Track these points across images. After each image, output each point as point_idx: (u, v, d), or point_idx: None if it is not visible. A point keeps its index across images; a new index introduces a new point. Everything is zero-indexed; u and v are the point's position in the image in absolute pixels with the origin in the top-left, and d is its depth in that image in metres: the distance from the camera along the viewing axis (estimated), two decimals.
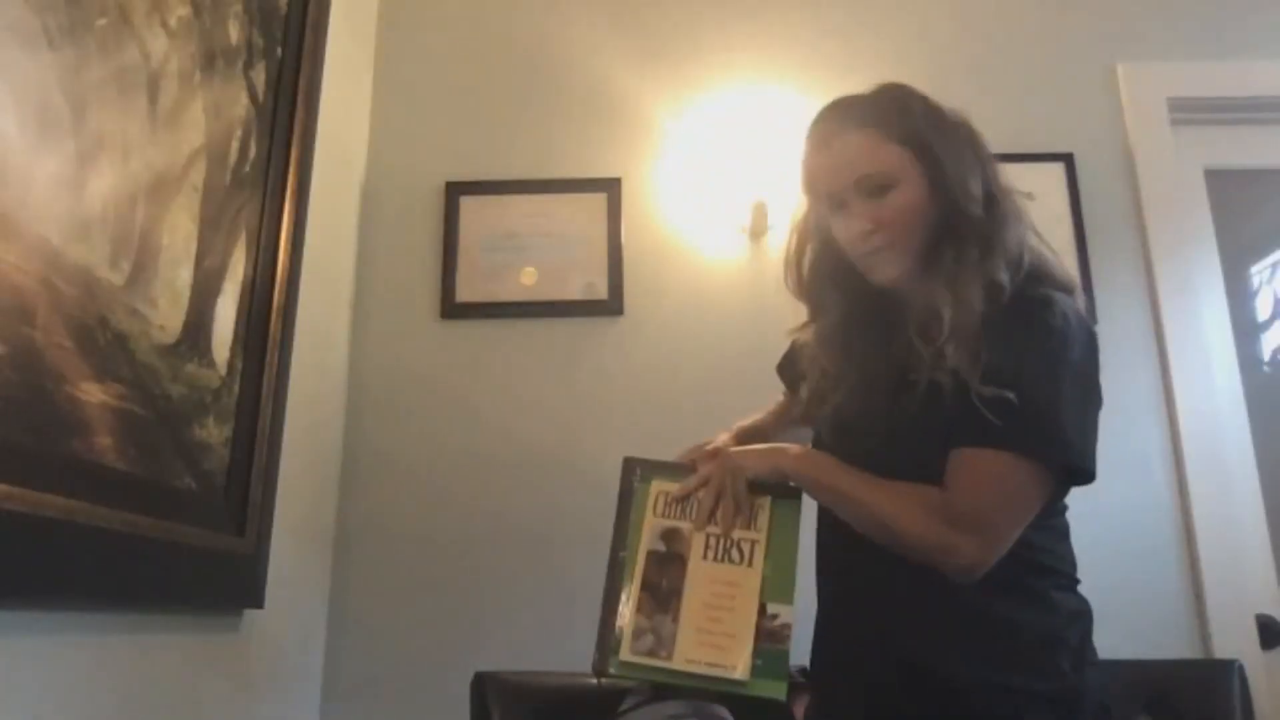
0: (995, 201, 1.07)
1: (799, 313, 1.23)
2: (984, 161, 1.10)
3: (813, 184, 1.13)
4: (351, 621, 1.73)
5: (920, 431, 1.02)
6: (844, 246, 1.12)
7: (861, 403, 1.11)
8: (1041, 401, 0.97)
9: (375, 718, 1.67)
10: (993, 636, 1.00)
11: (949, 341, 1.00)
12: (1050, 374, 0.98)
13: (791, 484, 1.09)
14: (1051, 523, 1.06)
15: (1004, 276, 1.02)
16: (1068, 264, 1.87)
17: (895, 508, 0.99)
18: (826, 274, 1.16)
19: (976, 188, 1.06)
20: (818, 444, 1.19)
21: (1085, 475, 1.00)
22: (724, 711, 1.00)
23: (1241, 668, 1.33)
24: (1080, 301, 1.07)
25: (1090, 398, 1.02)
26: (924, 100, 1.12)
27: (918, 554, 0.97)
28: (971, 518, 0.96)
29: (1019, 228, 1.07)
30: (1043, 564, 1.04)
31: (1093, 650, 1.05)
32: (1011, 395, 0.95)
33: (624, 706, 1.05)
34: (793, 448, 1.10)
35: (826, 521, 1.13)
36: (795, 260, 1.19)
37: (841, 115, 1.11)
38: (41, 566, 0.90)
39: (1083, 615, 1.06)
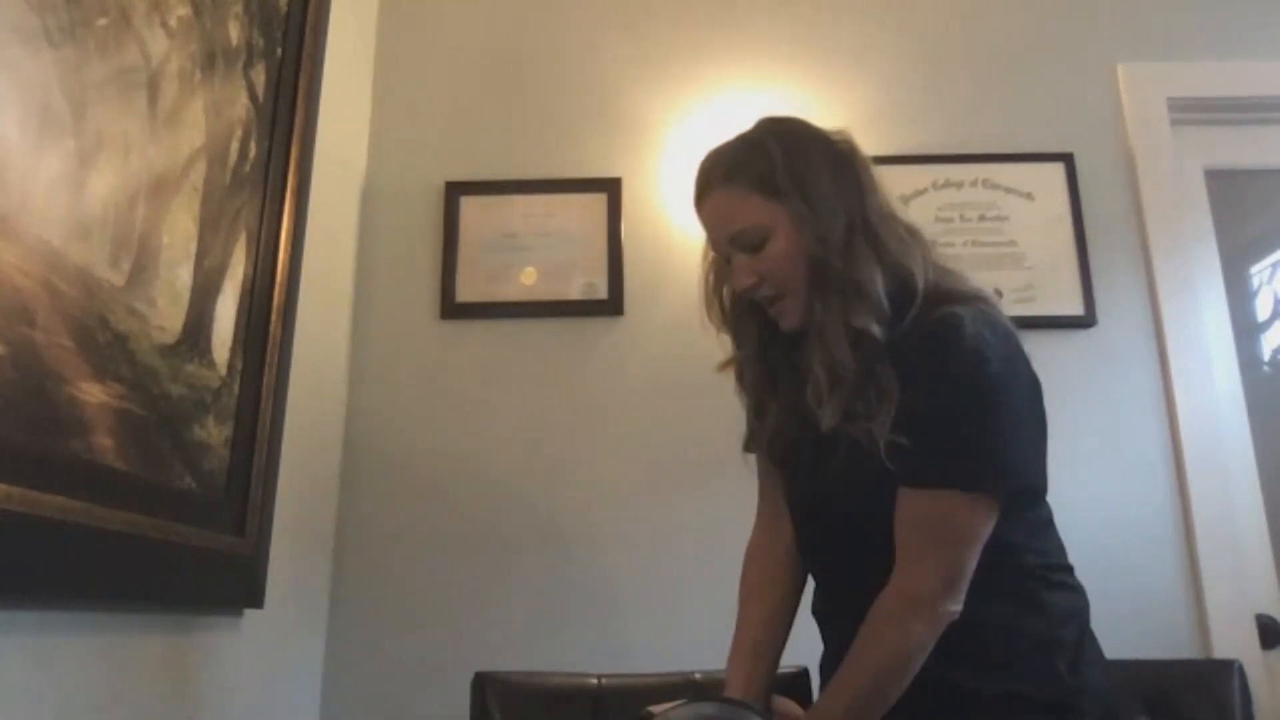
0: (862, 237, 1.03)
1: None
2: (858, 191, 1.05)
3: (707, 235, 1.14)
4: (351, 621, 1.73)
5: (864, 486, 1.00)
6: (737, 291, 1.11)
7: (792, 441, 1.11)
8: (967, 430, 0.95)
9: (375, 718, 1.67)
10: (987, 644, 0.98)
11: (828, 399, 1.00)
12: (972, 397, 0.95)
13: None
14: (1029, 517, 1.04)
15: (871, 324, 0.99)
16: (1067, 264, 1.91)
17: (880, 664, 0.96)
18: (742, 311, 1.15)
19: (837, 230, 1.03)
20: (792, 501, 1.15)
21: (1030, 492, 1.00)
22: (756, 716, 0.99)
23: (1241, 668, 1.33)
24: (995, 305, 1.03)
25: (1020, 408, 0.99)
26: (788, 135, 1.09)
27: (927, 647, 0.95)
28: (925, 592, 0.95)
29: (904, 253, 1.03)
30: (1029, 565, 1.02)
31: (1094, 647, 1.03)
32: (924, 436, 0.94)
33: (657, 706, 1.04)
34: None
35: (828, 564, 1.11)
36: (714, 294, 1.17)
37: (708, 171, 1.10)
38: (41, 566, 0.90)
39: (1077, 613, 1.04)
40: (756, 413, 1.16)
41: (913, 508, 0.97)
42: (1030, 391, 1.02)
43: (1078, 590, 1.06)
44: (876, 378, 0.99)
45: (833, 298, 1.02)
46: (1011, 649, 0.99)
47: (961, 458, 0.95)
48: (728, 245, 1.09)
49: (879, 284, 1.01)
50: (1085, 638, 1.03)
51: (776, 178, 1.05)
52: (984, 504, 0.96)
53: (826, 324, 1.02)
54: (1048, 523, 1.07)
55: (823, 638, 1.13)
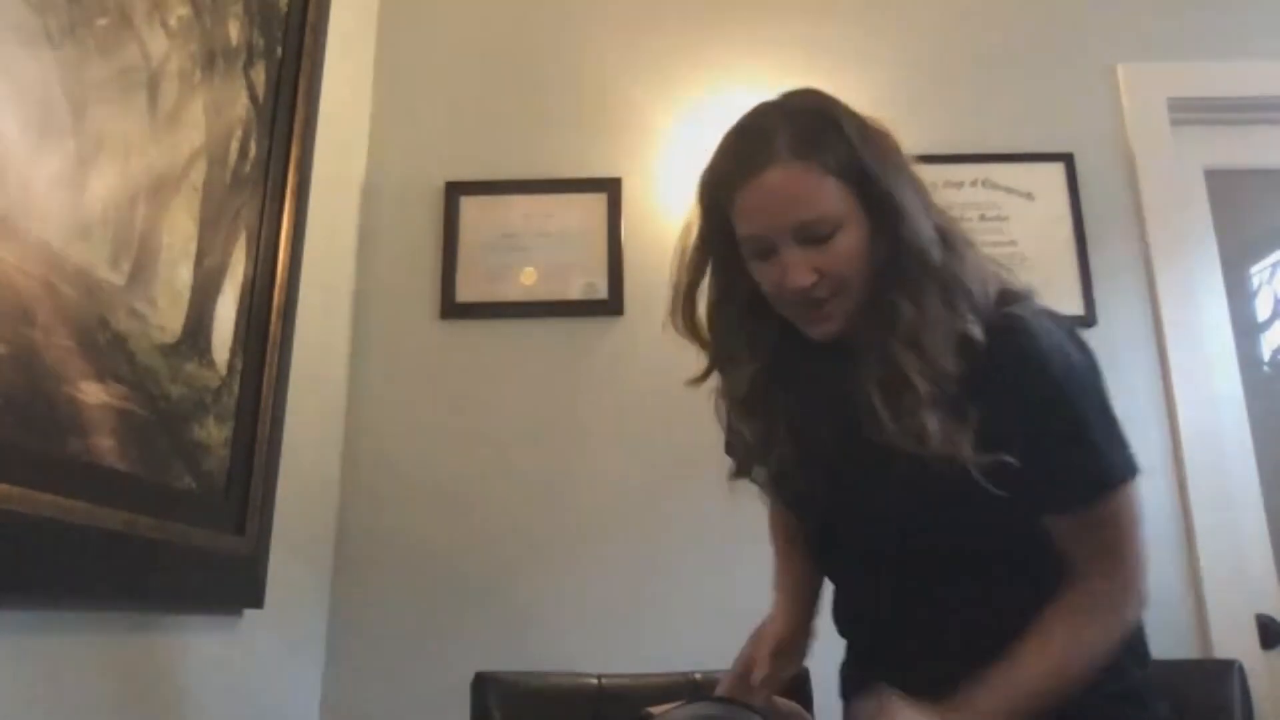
0: (948, 234, 0.94)
1: None
2: (922, 186, 0.96)
3: (730, 214, 0.96)
4: (351, 621, 1.72)
5: (944, 511, 0.91)
6: (769, 294, 0.96)
7: (806, 479, 1.00)
8: (1093, 432, 0.89)
9: (375, 718, 1.67)
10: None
11: (926, 415, 0.87)
12: (1078, 399, 0.90)
13: None
14: None
15: (976, 328, 0.89)
16: (1067, 264, 1.90)
17: (1081, 656, 0.89)
18: (736, 316, 1.01)
19: (928, 224, 0.92)
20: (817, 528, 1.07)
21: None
22: (757, 716, 0.98)
23: (1241, 668, 1.32)
24: (1035, 299, 0.96)
25: (1103, 385, 0.94)
26: (851, 115, 0.96)
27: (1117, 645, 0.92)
28: (1125, 582, 0.91)
29: (976, 257, 0.95)
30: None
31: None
32: (1051, 453, 0.87)
33: (657, 707, 1.04)
34: (953, 706, 0.87)
35: (876, 586, 1.02)
36: (686, 293, 1.01)
37: (767, 139, 0.93)
38: (41, 566, 0.90)
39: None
40: (764, 440, 1.02)
41: (1077, 525, 0.91)
42: (1100, 374, 0.95)
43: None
44: (964, 390, 0.88)
45: (929, 299, 0.90)
46: (1120, 687, 0.94)
47: (1102, 460, 0.90)
48: (781, 234, 0.92)
49: (975, 280, 0.92)
50: (1143, 640, 1.00)
51: (857, 157, 0.91)
52: (1135, 486, 0.91)
53: (924, 331, 0.89)
54: None
55: (851, 643, 1.08)
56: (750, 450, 1.05)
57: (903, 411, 0.88)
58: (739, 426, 1.04)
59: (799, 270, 0.92)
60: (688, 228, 1.02)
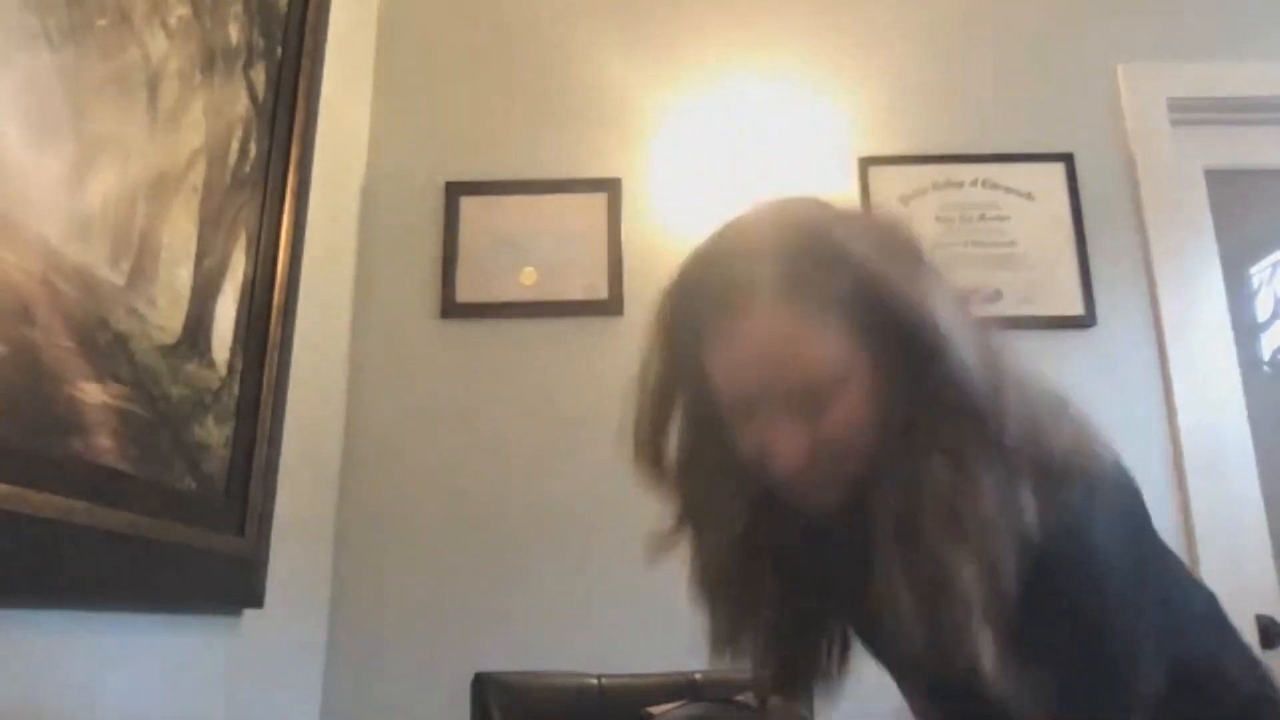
0: (998, 367, 0.71)
1: None
2: (958, 297, 0.75)
3: (701, 359, 0.75)
4: (351, 621, 1.73)
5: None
6: (749, 460, 0.76)
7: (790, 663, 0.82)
8: (1097, 670, 0.67)
9: (375, 718, 1.67)
10: None
11: (979, 636, 0.64)
12: (1094, 632, 0.68)
13: None
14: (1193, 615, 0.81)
15: (1031, 515, 0.65)
16: (1067, 264, 1.91)
17: None
18: (713, 473, 0.80)
19: (973, 356, 0.69)
20: None
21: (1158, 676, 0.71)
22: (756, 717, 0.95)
23: None
24: (1081, 426, 0.76)
25: (1143, 626, 0.71)
26: (857, 226, 0.75)
27: None
28: None
29: (1038, 394, 0.74)
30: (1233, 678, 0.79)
31: None
32: (1045, 666, 0.64)
33: (657, 707, 1.03)
34: None
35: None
36: (651, 435, 0.80)
37: (745, 276, 0.71)
38: (41, 566, 0.90)
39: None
40: (730, 627, 0.82)
41: None
42: (1144, 570, 0.74)
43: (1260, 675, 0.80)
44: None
45: (979, 463, 0.67)
46: None
47: (1084, 694, 0.67)
48: (767, 400, 0.72)
49: (1031, 442, 0.69)
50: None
51: (870, 294, 0.69)
52: None
53: (974, 503, 0.66)
54: (1204, 613, 0.82)
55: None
56: (713, 634, 0.83)
57: (943, 626, 0.65)
58: (700, 606, 0.83)
59: (787, 448, 0.72)
60: (648, 358, 0.82)
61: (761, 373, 0.72)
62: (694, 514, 0.82)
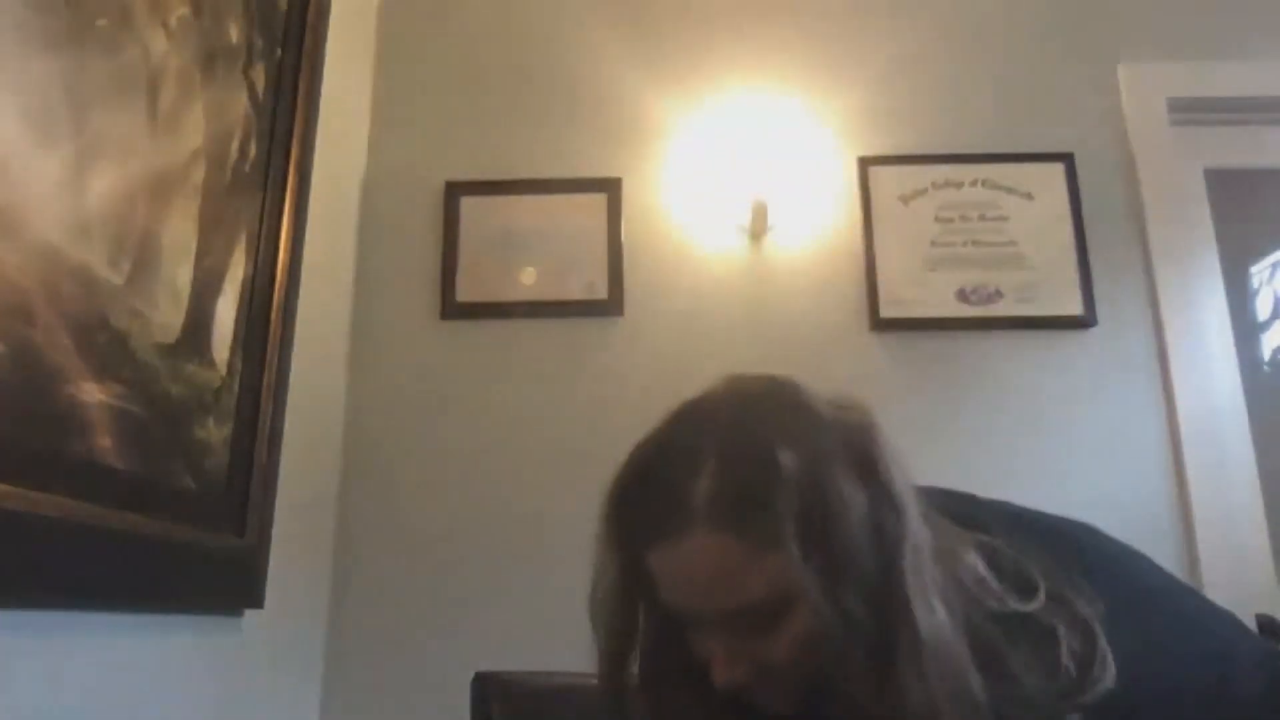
0: (900, 610, 0.65)
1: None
2: (886, 508, 0.68)
3: (641, 581, 0.75)
4: (351, 621, 1.73)
5: None
6: (716, 685, 0.73)
7: None
8: None
9: (375, 717, 1.67)
10: None
11: None
12: None
13: None
14: None
15: None
16: (1067, 264, 1.90)
17: None
18: (673, 672, 0.78)
19: (861, 602, 0.66)
20: None
21: None
22: None
23: None
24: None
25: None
26: (797, 436, 0.69)
27: None
28: None
29: (946, 654, 0.65)
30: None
31: None
32: None
33: None
34: None
35: None
36: (614, 662, 0.81)
37: (683, 492, 0.68)
38: (41, 566, 0.90)
39: None
40: None
41: None
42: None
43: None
44: None
45: (949, 678, 0.65)
46: None
47: None
48: (707, 616, 0.71)
49: (934, 702, 0.64)
50: None
51: (805, 521, 0.66)
52: None
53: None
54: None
55: None
56: None
57: None
58: None
59: (725, 667, 0.70)
60: (600, 570, 0.81)
61: (700, 593, 0.70)
62: (657, 714, 0.79)
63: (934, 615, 0.65)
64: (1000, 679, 0.65)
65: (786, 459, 0.66)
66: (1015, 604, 0.68)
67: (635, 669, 0.79)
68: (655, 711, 0.78)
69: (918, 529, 0.68)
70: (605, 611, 0.80)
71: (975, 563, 0.70)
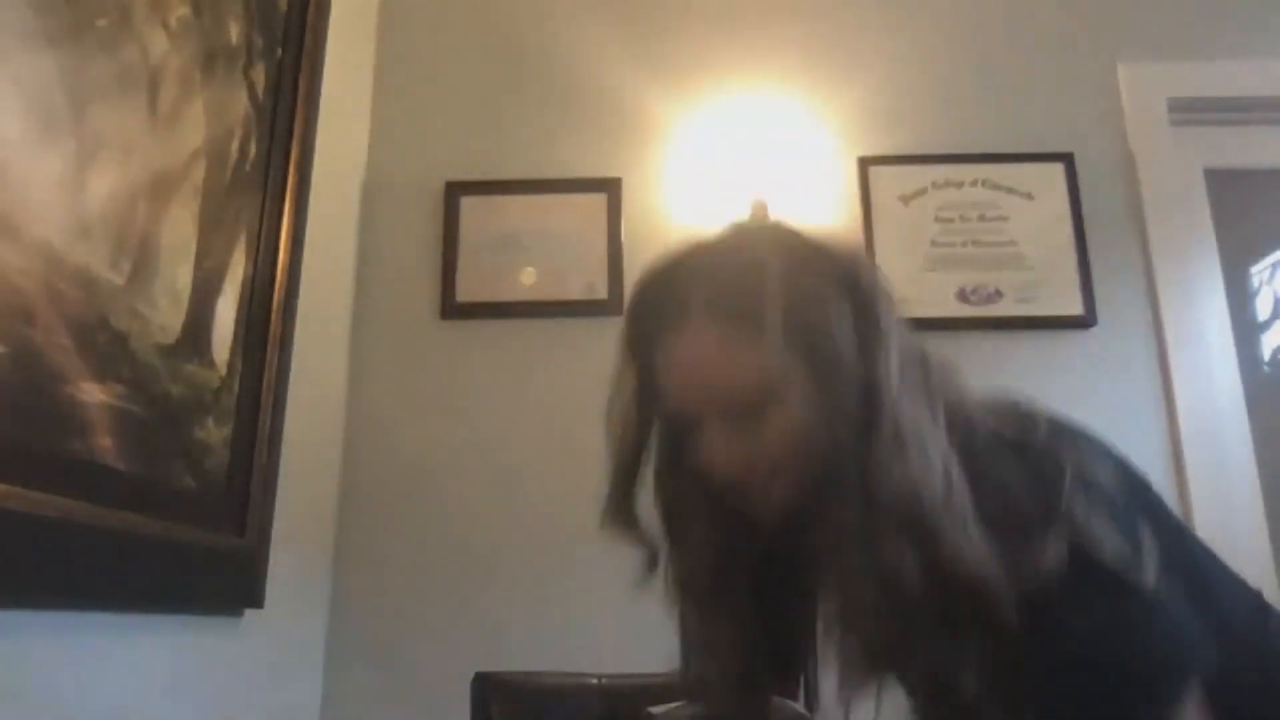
0: (876, 407, 0.70)
1: None
2: (870, 327, 0.74)
3: (655, 386, 0.80)
4: (351, 621, 1.73)
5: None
6: (699, 473, 0.79)
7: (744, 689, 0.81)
8: (1120, 644, 0.68)
9: (375, 718, 1.67)
10: None
11: (937, 651, 0.68)
12: (1110, 607, 0.68)
13: None
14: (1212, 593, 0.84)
15: (900, 551, 0.67)
16: (1067, 264, 1.90)
17: None
18: (681, 496, 0.83)
19: (849, 396, 0.71)
20: None
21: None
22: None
23: None
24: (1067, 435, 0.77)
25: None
26: (788, 252, 0.77)
27: None
28: None
29: (919, 446, 0.70)
30: None
31: None
32: (1069, 671, 0.67)
33: (657, 707, 1.03)
34: None
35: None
36: (625, 476, 0.83)
37: (683, 291, 0.77)
38: (41, 566, 0.90)
39: None
40: (705, 639, 0.83)
41: None
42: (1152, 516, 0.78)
43: None
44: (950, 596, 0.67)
45: (845, 509, 0.70)
46: None
47: (1136, 677, 0.68)
48: (704, 408, 0.77)
49: (909, 485, 0.69)
50: None
51: (789, 319, 0.72)
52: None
53: (841, 557, 0.71)
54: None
55: None
56: (687, 643, 0.85)
57: (900, 641, 0.69)
58: (684, 623, 0.84)
59: (720, 456, 0.76)
60: (618, 383, 0.83)
61: (694, 383, 0.77)
62: (671, 535, 0.83)
63: (916, 408, 0.71)
64: (985, 480, 0.70)
65: (775, 265, 0.75)
66: (1012, 433, 0.73)
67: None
68: (665, 519, 0.84)
69: (903, 337, 0.75)
70: (620, 422, 0.82)
71: (971, 390, 0.78)
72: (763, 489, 0.77)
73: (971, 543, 0.67)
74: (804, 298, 0.74)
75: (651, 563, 0.84)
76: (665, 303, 0.79)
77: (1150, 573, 0.69)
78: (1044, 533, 0.67)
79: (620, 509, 0.84)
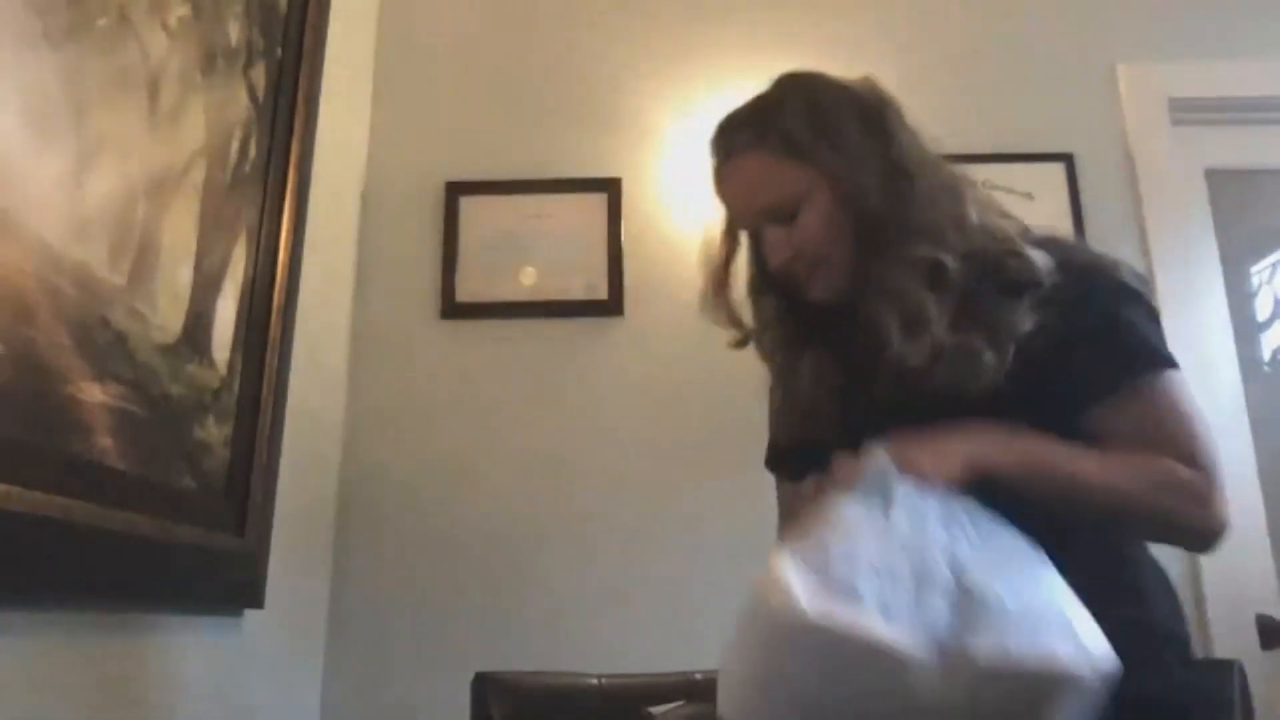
0: (902, 180, 0.96)
1: None
2: (886, 135, 0.99)
3: (726, 209, 1.08)
4: (351, 621, 1.72)
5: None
6: (771, 268, 1.05)
7: (838, 429, 0.99)
8: (1132, 316, 0.92)
9: (375, 718, 1.67)
10: (1145, 592, 0.94)
11: (910, 342, 0.90)
12: (1128, 296, 0.93)
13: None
14: None
15: (939, 254, 0.92)
16: None
17: (1163, 497, 0.86)
18: (766, 290, 1.09)
19: (871, 176, 0.96)
20: None
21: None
22: None
23: (1242, 668, 1.32)
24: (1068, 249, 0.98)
25: (1152, 310, 0.96)
26: (809, 91, 1.02)
27: (1186, 539, 0.93)
28: (1203, 480, 0.86)
29: (936, 195, 0.96)
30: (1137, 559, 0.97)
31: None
32: (1097, 343, 0.89)
33: (657, 707, 1.04)
34: (980, 433, 0.86)
35: None
36: (718, 277, 1.09)
37: (728, 138, 1.04)
38: (41, 566, 0.90)
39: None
40: (787, 401, 1.08)
41: (1130, 416, 0.88)
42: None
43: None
44: (975, 310, 0.91)
45: (887, 245, 0.94)
46: (1163, 607, 0.94)
47: (1144, 340, 0.91)
48: (756, 218, 1.03)
49: (932, 217, 0.94)
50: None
51: (804, 140, 0.98)
52: (1184, 380, 0.91)
53: (888, 273, 0.93)
54: None
55: None
56: (778, 413, 1.12)
57: (887, 342, 0.93)
58: (773, 389, 1.12)
59: (774, 248, 1.02)
60: (718, 222, 1.10)
61: (742, 198, 1.04)
62: (758, 322, 1.10)
63: (928, 167, 0.99)
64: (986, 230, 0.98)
65: (796, 99, 1.01)
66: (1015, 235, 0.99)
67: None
68: (756, 308, 1.10)
69: (918, 141, 1.01)
70: (709, 245, 1.10)
71: (986, 194, 1.05)
72: (810, 269, 1.01)
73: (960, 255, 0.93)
74: (816, 122, 0.98)
75: (741, 341, 1.11)
76: (719, 146, 1.05)
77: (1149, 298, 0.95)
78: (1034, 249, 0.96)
79: (718, 302, 1.09)
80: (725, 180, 1.05)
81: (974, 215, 0.98)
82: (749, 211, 1.04)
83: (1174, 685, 0.89)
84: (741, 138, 1.02)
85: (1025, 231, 1.00)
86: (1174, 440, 0.88)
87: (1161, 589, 0.96)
